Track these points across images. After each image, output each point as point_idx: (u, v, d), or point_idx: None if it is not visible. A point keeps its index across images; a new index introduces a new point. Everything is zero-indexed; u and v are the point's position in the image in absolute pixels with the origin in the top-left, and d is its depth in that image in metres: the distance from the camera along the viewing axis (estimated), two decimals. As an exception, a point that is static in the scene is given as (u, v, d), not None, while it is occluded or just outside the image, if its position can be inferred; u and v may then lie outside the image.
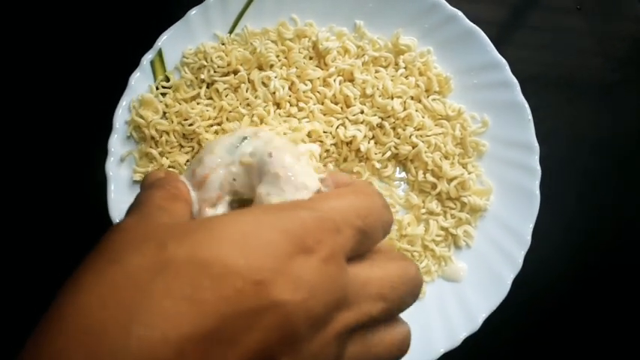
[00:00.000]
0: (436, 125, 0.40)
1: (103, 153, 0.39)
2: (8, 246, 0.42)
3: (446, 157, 0.39)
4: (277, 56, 0.41)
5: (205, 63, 0.41)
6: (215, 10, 0.42)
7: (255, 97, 0.40)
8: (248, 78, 0.40)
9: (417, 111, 0.39)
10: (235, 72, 0.41)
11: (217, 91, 0.40)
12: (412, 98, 0.40)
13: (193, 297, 0.15)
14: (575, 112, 0.46)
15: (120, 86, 0.40)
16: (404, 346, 0.20)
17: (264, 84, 0.40)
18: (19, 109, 0.45)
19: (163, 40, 0.41)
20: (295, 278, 0.16)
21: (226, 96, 0.41)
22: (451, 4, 0.41)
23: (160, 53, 0.41)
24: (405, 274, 0.20)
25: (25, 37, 0.47)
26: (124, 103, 0.40)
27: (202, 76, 0.41)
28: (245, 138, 0.24)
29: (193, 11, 0.41)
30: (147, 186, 0.22)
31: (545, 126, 0.41)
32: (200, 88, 0.41)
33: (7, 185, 0.44)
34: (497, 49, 0.40)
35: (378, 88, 0.39)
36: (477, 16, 0.41)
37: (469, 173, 0.39)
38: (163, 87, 0.41)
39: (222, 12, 0.42)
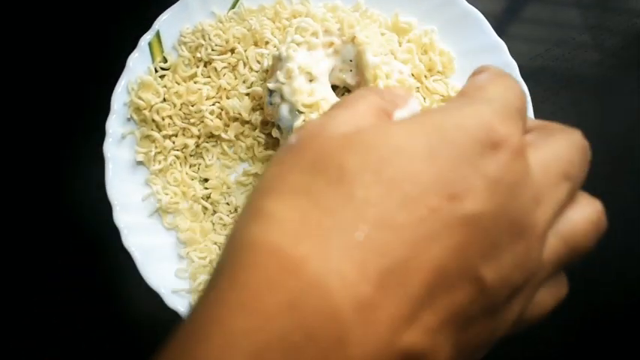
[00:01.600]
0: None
1: (102, 134, 0.39)
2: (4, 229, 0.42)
3: None
4: (272, 33, 0.40)
5: (203, 42, 0.40)
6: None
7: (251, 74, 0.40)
8: (246, 56, 0.40)
9: (417, 91, 0.39)
10: (232, 50, 0.41)
11: (215, 69, 0.40)
12: (413, 76, 0.40)
13: (387, 220, 0.14)
14: (569, 105, 0.46)
15: (118, 68, 0.40)
16: (600, 221, 0.18)
17: (258, 62, 0.40)
18: (15, 90, 0.45)
19: (161, 22, 0.41)
20: (492, 182, 0.15)
21: (224, 75, 0.40)
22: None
23: (157, 35, 0.41)
24: (574, 142, 0.18)
25: (21, 19, 0.46)
26: (122, 83, 0.39)
27: (200, 55, 0.40)
28: None
29: (190, -8, 0.41)
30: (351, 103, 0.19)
31: (540, 118, 0.41)
32: (197, 67, 0.41)
33: (3, 167, 0.43)
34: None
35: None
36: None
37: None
38: (162, 68, 0.41)
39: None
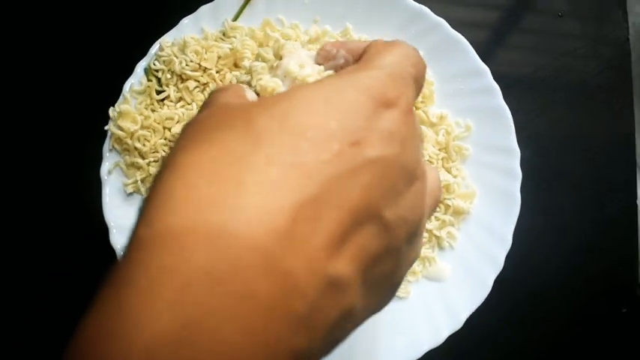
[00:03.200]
0: None
1: (99, 158, 0.40)
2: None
3: (430, 162, 0.41)
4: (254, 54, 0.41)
5: (176, 57, 0.41)
6: (206, 18, 0.43)
7: None
8: (220, 79, 0.41)
9: None
10: (205, 70, 0.41)
11: (188, 88, 0.41)
12: None
13: (295, 162, 0.15)
14: (559, 114, 0.47)
15: (115, 93, 0.41)
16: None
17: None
18: (11, 112, 0.47)
19: (157, 48, 0.42)
20: (386, 134, 0.17)
21: (197, 95, 0.41)
22: (439, 9, 0.42)
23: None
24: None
25: (20, 43, 0.48)
26: (117, 109, 0.41)
27: (174, 68, 0.40)
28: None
29: (186, 20, 0.43)
30: (211, 96, 0.21)
31: (529, 127, 0.42)
32: (167, 86, 0.41)
33: (2, 185, 0.45)
34: (485, 52, 0.41)
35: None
36: (465, 19, 0.42)
37: (454, 177, 0.41)
38: (136, 92, 0.41)
39: (214, 20, 0.43)
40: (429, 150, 0.40)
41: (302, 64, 0.22)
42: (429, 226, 0.40)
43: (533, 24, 0.49)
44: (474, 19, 0.48)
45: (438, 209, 0.40)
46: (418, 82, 0.20)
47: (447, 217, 0.40)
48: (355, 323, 0.17)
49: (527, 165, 0.40)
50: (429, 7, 0.42)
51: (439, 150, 0.41)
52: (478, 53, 0.41)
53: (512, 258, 0.39)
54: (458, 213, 0.40)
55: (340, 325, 0.15)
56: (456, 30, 0.42)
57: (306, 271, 0.14)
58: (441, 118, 0.41)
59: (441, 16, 0.42)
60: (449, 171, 0.41)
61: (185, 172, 0.15)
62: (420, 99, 0.41)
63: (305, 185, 0.15)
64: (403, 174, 0.17)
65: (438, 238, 0.40)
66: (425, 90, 0.42)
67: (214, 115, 0.17)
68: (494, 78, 0.41)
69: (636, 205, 0.45)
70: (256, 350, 0.13)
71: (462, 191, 0.41)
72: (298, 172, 0.15)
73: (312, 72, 0.22)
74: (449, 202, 0.40)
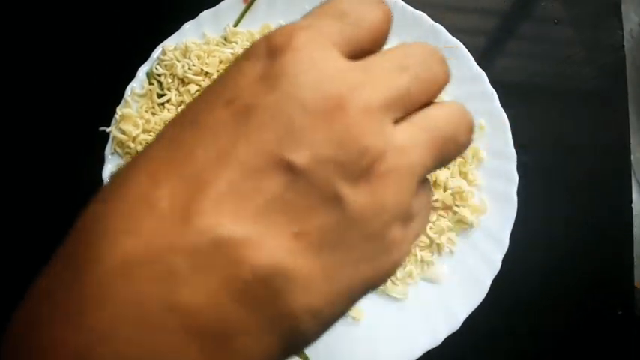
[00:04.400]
0: None
1: (101, 161, 0.41)
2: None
3: (445, 166, 0.41)
4: None
5: (179, 60, 0.41)
6: (208, 23, 0.44)
7: None
8: None
9: None
10: (206, 74, 0.42)
11: (189, 92, 0.41)
12: None
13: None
14: (554, 120, 0.47)
15: (117, 97, 0.42)
16: (460, 109, 0.17)
17: None
18: (13, 114, 0.47)
19: (159, 52, 0.43)
20: (261, 78, 0.15)
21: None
22: (436, 15, 0.43)
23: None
24: (411, 46, 0.17)
25: (24, 47, 0.48)
26: (119, 113, 0.41)
27: (176, 72, 0.41)
28: None
29: (187, 25, 0.43)
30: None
31: (526, 133, 0.43)
32: (169, 90, 0.42)
33: (4, 186, 0.45)
34: (481, 59, 0.42)
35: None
36: (462, 26, 0.43)
37: (469, 183, 0.40)
38: (135, 94, 0.42)
39: (215, 24, 0.44)
40: None
41: None
42: (430, 232, 0.40)
43: (529, 31, 0.50)
44: (471, 25, 0.49)
45: (444, 215, 0.41)
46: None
47: (448, 224, 0.40)
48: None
49: (524, 169, 0.41)
50: (426, 14, 0.43)
51: None
52: (474, 60, 0.42)
53: (509, 260, 0.39)
54: (462, 223, 0.40)
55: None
56: (453, 36, 0.43)
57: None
58: None
59: (438, 23, 0.43)
60: (465, 176, 0.41)
61: (140, 161, 0.16)
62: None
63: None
64: (305, 108, 0.14)
65: (438, 245, 0.40)
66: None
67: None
68: (490, 84, 0.42)
69: (631, 208, 0.46)
70: None
71: (474, 203, 0.40)
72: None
73: None
74: (456, 210, 0.40)
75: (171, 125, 0.16)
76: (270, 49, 0.15)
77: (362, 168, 0.14)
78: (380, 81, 0.15)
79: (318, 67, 0.15)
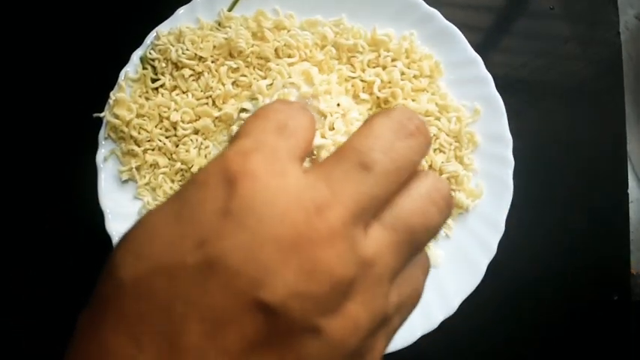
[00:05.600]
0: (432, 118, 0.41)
1: (94, 146, 0.41)
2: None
3: (441, 151, 0.41)
4: (252, 45, 0.41)
5: (173, 45, 0.41)
6: (202, 8, 0.43)
7: (222, 86, 0.41)
8: (215, 69, 0.41)
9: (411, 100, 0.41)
10: (200, 58, 0.42)
11: (183, 76, 0.41)
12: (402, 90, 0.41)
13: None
14: (551, 112, 0.47)
15: (110, 81, 0.42)
16: (438, 194, 0.17)
17: (229, 77, 0.41)
18: (7, 100, 0.47)
19: (153, 37, 0.43)
20: (220, 216, 0.15)
21: (190, 84, 0.41)
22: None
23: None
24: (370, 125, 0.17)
25: (17, 34, 0.48)
26: (113, 98, 0.41)
27: (170, 57, 0.41)
28: None
29: (181, 10, 0.43)
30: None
31: (522, 125, 0.43)
32: (163, 75, 0.41)
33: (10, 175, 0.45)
34: (480, 53, 0.42)
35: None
36: (458, 20, 0.42)
37: (465, 167, 0.40)
38: (129, 79, 0.42)
39: (210, 10, 0.44)
40: (442, 138, 0.40)
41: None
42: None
43: (526, 25, 0.50)
44: (467, 19, 0.49)
45: None
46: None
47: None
48: None
49: (521, 157, 0.40)
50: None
51: (452, 138, 0.41)
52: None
53: (506, 246, 0.39)
54: (458, 207, 0.40)
55: None
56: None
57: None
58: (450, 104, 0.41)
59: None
60: (461, 160, 0.41)
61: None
62: (427, 72, 0.41)
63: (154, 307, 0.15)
64: (274, 247, 0.14)
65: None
66: (430, 63, 0.42)
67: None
68: (485, 68, 0.41)
69: (627, 195, 0.46)
70: None
71: (470, 187, 0.40)
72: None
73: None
74: (453, 194, 0.40)
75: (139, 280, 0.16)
76: (226, 178, 0.15)
77: (335, 299, 0.15)
78: (344, 191, 0.15)
79: (280, 193, 0.15)
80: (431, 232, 0.17)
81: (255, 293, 0.14)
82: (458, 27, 0.42)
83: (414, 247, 0.17)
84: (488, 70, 0.42)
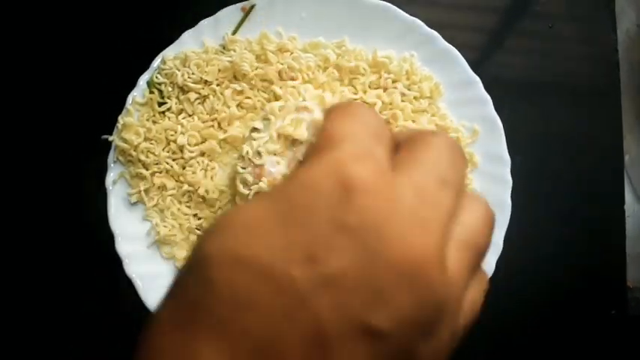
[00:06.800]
0: None
1: (103, 169, 0.42)
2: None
3: None
4: (256, 68, 0.42)
5: (179, 69, 0.42)
6: (207, 32, 0.44)
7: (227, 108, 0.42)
8: (220, 92, 0.42)
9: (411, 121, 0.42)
10: (206, 82, 0.43)
11: (189, 100, 0.42)
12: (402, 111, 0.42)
13: (244, 304, 0.14)
14: (548, 119, 0.48)
15: (118, 105, 0.43)
16: (489, 216, 0.18)
17: (233, 100, 0.42)
18: (16, 123, 0.48)
19: (159, 61, 0.44)
20: (352, 234, 0.14)
21: (196, 107, 0.42)
22: (436, 14, 0.44)
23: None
24: (440, 146, 0.17)
25: (25, 57, 0.49)
26: (121, 122, 0.42)
27: (176, 80, 0.42)
28: None
29: (187, 34, 0.44)
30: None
31: (519, 131, 0.44)
32: (169, 98, 0.43)
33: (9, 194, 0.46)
34: (476, 57, 0.42)
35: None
36: (458, 24, 0.43)
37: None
38: (136, 103, 0.43)
39: (214, 33, 0.45)
40: None
41: None
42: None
43: (526, 29, 0.50)
44: (467, 24, 0.49)
45: None
46: (384, 142, 0.17)
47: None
48: None
49: (518, 169, 0.41)
50: (423, 14, 0.44)
51: None
52: (469, 58, 0.43)
53: (503, 262, 0.40)
54: None
55: None
56: (449, 34, 0.43)
57: None
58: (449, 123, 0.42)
59: (435, 22, 0.43)
60: None
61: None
62: (427, 93, 0.42)
63: (257, 327, 0.14)
64: (390, 270, 0.14)
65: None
66: (430, 85, 0.42)
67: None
68: (484, 82, 0.42)
69: (624, 209, 0.47)
70: None
71: None
72: (249, 312, 0.14)
73: None
74: None
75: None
76: (342, 184, 0.14)
77: (435, 323, 0.15)
78: (440, 209, 0.15)
79: (397, 210, 0.14)
80: (486, 251, 0.17)
81: (368, 317, 0.13)
82: (458, 29, 0.43)
83: (479, 266, 0.17)
84: (485, 74, 0.42)
